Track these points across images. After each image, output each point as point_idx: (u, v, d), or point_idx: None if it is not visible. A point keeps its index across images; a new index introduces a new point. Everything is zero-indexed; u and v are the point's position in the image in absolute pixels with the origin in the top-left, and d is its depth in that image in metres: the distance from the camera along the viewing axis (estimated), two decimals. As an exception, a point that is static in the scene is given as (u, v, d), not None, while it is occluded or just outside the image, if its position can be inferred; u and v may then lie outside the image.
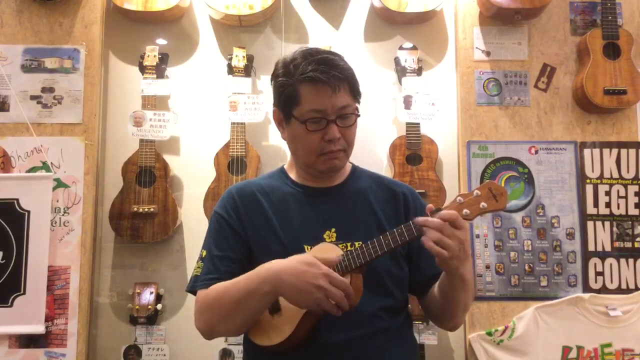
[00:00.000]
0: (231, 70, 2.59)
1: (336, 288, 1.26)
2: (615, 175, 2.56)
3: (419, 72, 2.61)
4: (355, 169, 1.61)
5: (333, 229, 1.45)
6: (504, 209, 1.49)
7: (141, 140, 2.54)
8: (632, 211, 2.54)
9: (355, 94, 1.46)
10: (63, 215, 2.44)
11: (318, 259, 1.31)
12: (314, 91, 1.40)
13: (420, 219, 1.31)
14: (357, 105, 1.47)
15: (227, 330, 1.45)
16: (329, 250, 1.38)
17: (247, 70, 2.59)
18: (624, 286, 2.49)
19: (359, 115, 1.47)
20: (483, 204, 1.31)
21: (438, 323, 1.60)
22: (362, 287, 1.33)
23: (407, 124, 2.57)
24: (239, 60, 2.58)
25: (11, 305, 2.34)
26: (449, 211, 1.29)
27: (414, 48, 2.65)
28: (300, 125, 1.43)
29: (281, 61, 1.48)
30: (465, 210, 1.31)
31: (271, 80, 1.51)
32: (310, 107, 1.41)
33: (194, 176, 2.65)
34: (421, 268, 1.51)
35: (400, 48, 2.66)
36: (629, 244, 2.52)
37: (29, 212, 2.39)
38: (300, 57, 1.44)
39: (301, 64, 1.42)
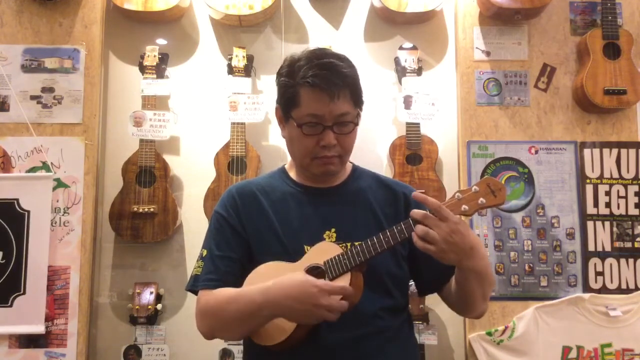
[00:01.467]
0: (231, 70, 2.59)
1: (336, 299, 1.26)
2: (615, 175, 2.56)
3: (419, 72, 2.61)
4: (355, 169, 1.61)
5: (333, 229, 1.45)
6: (503, 204, 1.49)
7: (141, 140, 2.54)
8: (632, 211, 2.54)
9: (357, 100, 1.45)
10: (63, 215, 2.44)
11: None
12: (312, 96, 1.40)
13: (413, 211, 1.30)
14: (358, 111, 1.46)
15: (228, 338, 1.46)
16: (328, 249, 1.38)
17: (247, 70, 2.59)
18: (624, 286, 2.49)
19: (357, 124, 1.46)
20: (482, 200, 1.30)
21: (462, 314, 1.62)
22: (362, 285, 1.33)
23: (407, 124, 2.57)
24: (239, 60, 2.58)
25: (11, 305, 2.34)
26: (432, 200, 1.28)
27: (414, 48, 2.65)
28: (296, 127, 1.43)
29: (288, 60, 1.47)
30: (463, 206, 1.31)
31: (276, 78, 1.50)
32: (307, 112, 1.41)
33: (194, 176, 2.65)
34: (431, 264, 1.47)
35: (400, 48, 2.66)
36: (629, 244, 2.52)
37: (29, 212, 2.39)
38: (305, 58, 1.42)
39: (304, 66, 1.41)
